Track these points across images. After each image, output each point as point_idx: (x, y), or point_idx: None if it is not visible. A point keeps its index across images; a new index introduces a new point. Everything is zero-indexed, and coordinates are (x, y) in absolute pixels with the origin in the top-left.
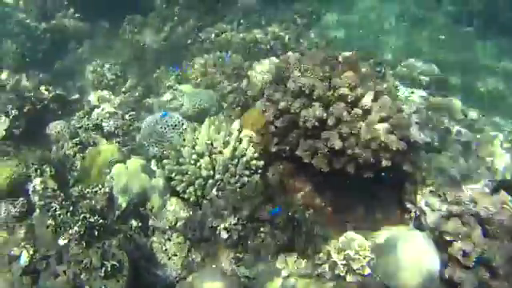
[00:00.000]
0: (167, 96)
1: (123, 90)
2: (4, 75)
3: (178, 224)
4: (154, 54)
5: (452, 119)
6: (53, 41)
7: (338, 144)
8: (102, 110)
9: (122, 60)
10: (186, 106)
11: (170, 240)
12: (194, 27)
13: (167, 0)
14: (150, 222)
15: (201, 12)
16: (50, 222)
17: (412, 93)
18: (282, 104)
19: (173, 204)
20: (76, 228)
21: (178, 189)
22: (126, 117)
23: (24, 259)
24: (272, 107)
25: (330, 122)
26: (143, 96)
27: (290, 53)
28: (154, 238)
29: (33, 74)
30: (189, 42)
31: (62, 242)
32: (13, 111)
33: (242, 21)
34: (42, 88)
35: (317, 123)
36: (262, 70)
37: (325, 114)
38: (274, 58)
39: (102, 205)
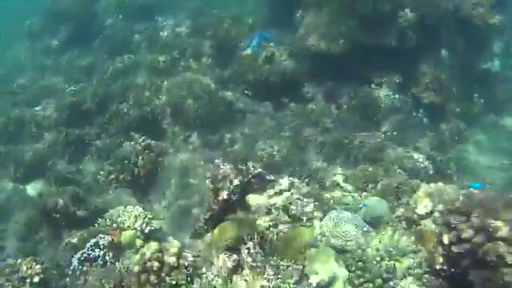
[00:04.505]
0: (337, 193)
1: (304, 178)
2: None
3: None
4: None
5: None
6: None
7: None
8: (291, 194)
9: (285, 146)
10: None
11: None
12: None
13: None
14: None
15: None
16: (265, 283)
17: None
18: (465, 235)
19: None
20: None
21: (355, 282)
22: (310, 206)
23: None
24: (450, 233)
25: (509, 259)
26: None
27: (473, 191)
28: None
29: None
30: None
31: None
32: (234, 180)
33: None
34: (250, 164)
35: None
36: (427, 193)
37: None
38: (440, 184)
39: (296, 279)
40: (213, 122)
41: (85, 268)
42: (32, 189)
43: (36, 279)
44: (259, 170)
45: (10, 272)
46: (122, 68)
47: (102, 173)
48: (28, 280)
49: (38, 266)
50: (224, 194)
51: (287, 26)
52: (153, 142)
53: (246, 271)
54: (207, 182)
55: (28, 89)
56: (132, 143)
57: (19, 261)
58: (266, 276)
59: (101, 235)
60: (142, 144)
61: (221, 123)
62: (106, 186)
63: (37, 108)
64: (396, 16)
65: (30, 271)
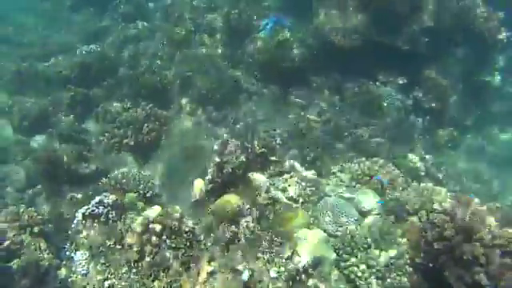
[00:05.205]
0: (334, 181)
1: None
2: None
3: None
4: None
5: None
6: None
7: (485, 281)
8: (291, 177)
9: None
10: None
11: None
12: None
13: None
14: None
15: None
16: (260, 255)
17: None
18: (447, 233)
19: (335, 275)
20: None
21: (342, 264)
22: (307, 190)
23: (246, 275)
24: (433, 231)
25: (482, 260)
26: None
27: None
28: None
29: None
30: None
31: (273, 273)
32: (242, 156)
33: None
34: (256, 143)
35: (471, 258)
36: (417, 191)
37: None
38: (430, 185)
39: (288, 255)
40: (219, 98)
41: (88, 224)
42: (35, 142)
43: (36, 229)
44: (263, 149)
45: (11, 219)
46: (135, 34)
47: (106, 135)
48: (29, 229)
49: (39, 217)
50: (229, 169)
51: (303, 14)
52: (159, 110)
53: (243, 242)
54: (213, 155)
55: (38, 45)
56: (139, 109)
57: (21, 210)
58: (261, 248)
59: (105, 194)
60: (149, 112)
61: (227, 101)
62: (108, 149)
63: (46, 64)
64: (411, 19)
65: (31, 221)
